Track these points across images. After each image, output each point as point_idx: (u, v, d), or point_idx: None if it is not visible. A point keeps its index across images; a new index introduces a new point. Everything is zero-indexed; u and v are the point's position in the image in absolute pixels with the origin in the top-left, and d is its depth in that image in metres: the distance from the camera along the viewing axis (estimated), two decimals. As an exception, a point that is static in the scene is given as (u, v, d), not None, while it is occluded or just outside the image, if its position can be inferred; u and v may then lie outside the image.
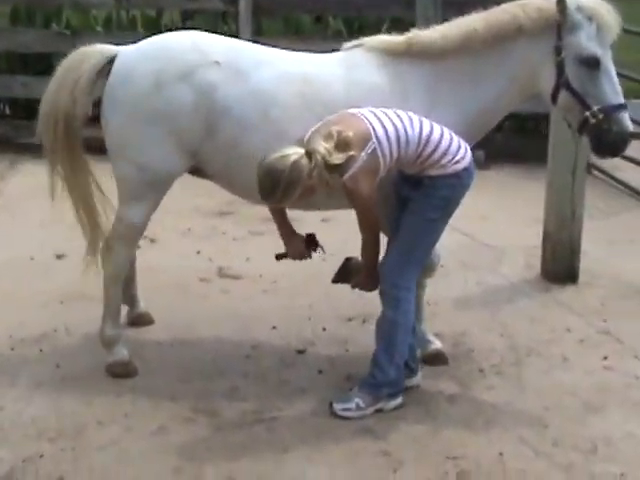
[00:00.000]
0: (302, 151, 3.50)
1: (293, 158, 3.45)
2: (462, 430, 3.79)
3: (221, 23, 8.56)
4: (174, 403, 3.98)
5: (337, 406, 3.88)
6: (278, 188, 3.48)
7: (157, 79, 3.89)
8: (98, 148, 4.24)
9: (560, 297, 5.26)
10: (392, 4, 8.45)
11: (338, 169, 3.52)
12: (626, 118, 3.86)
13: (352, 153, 3.53)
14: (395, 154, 3.65)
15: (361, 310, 4.88)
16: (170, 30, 8.68)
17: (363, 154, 3.57)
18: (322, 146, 3.49)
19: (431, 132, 3.70)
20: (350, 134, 3.54)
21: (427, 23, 7.72)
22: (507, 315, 4.98)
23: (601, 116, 3.81)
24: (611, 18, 3.83)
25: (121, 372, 4.21)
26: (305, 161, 3.46)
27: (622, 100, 3.86)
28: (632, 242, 6.21)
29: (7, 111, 8.92)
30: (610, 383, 4.24)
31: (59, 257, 5.77)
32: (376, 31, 8.63)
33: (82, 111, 4.06)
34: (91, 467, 3.51)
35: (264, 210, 6.50)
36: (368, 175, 3.61)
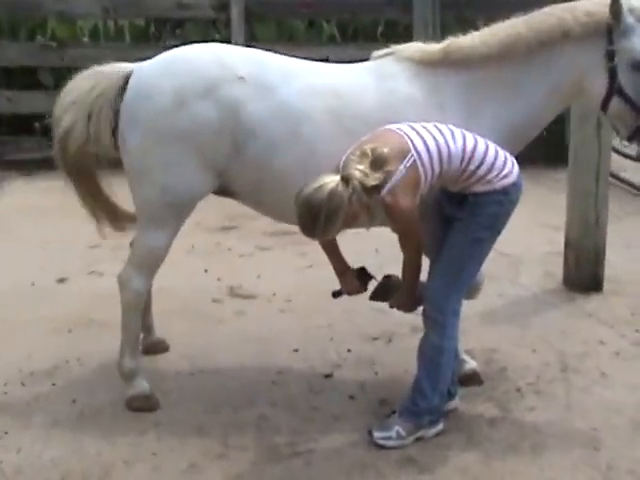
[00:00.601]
0: (338, 178, 3.29)
1: (329, 187, 3.24)
2: (510, 457, 3.63)
3: (212, 31, 8.37)
4: (202, 438, 3.79)
5: (377, 435, 3.71)
6: (319, 221, 3.27)
7: (178, 96, 3.70)
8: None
9: (587, 307, 5.15)
10: (387, 6, 8.37)
11: (377, 190, 3.34)
12: None
13: (389, 169, 3.35)
14: (437, 169, 3.48)
15: (385, 328, 4.77)
16: (159, 39, 8.66)
17: (402, 167, 3.39)
18: (357, 169, 3.30)
19: (475, 146, 3.53)
20: (386, 150, 3.35)
21: (425, 26, 7.74)
22: (536, 328, 4.85)
23: None
24: None
25: (142, 406, 4.02)
26: (342, 188, 3.25)
27: None
28: (647, 244, 6.14)
29: (-8, 127, 8.70)
30: (655, 399, 4.12)
31: (61, 281, 5.61)
32: (372, 35, 8.61)
33: (105, 140, 3.91)
34: (123, 512, 3.32)
35: (269, 224, 6.43)
36: (408, 190, 3.42)
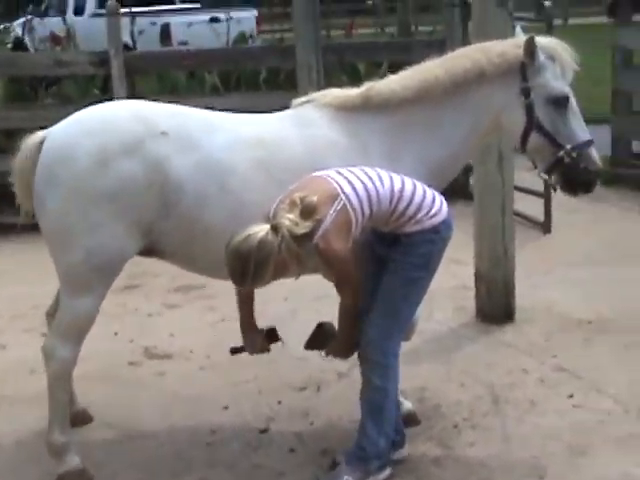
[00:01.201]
0: (267, 227, 3.30)
1: (259, 236, 3.25)
2: (462, 495, 3.68)
3: (91, 86, 8.26)
4: (147, 509, 3.70)
5: (327, 487, 3.70)
6: (249, 270, 3.27)
7: (101, 155, 3.62)
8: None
9: (504, 338, 5.27)
10: (270, 54, 8.47)
11: (307, 238, 3.35)
12: (595, 153, 3.90)
13: (319, 217, 3.37)
14: (367, 211, 3.51)
15: (312, 376, 4.76)
16: (35, 100, 8.47)
17: (332, 211, 3.41)
18: (286, 218, 3.31)
19: (403, 187, 3.59)
20: (315, 198, 3.37)
21: (308, 71, 7.83)
22: (460, 363, 4.93)
23: (575, 154, 3.82)
24: (569, 56, 3.89)
25: (76, 482, 3.88)
26: (271, 237, 3.26)
27: (589, 136, 3.89)
28: (547, 273, 6.34)
29: None
30: (585, 422, 4.23)
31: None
32: (254, 83, 8.66)
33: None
34: None
35: (172, 279, 6.37)
36: (340, 233, 3.44)
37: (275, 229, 3.28)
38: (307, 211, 3.35)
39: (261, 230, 3.28)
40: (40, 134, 3.84)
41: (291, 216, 3.32)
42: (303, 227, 3.32)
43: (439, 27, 8.82)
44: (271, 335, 3.85)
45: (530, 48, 3.79)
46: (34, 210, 3.84)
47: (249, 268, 3.27)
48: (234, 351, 3.95)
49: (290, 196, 3.44)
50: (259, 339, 3.83)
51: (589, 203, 7.75)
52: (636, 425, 4.18)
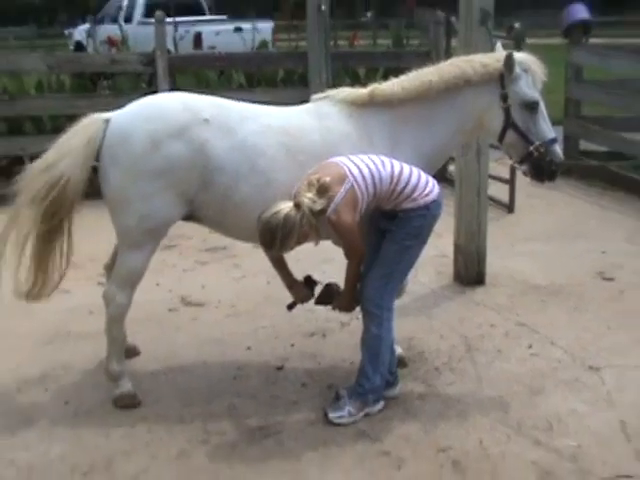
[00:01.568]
0: (291, 204, 3.34)
1: (284, 212, 3.31)
2: (442, 424, 3.67)
3: (140, 82, 8.17)
4: (185, 427, 3.69)
5: (332, 415, 3.69)
6: (276, 240, 3.35)
7: (153, 138, 3.58)
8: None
9: (476, 298, 5.24)
10: (286, 59, 8.40)
11: (322, 213, 3.38)
12: (559, 149, 3.88)
13: (331, 194, 3.38)
14: (372, 190, 3.51)
15: (319, 325, 4.73)
16: (94, 91, 8.40)
17: (342, 190, 3.43)
18: (306, 196, 3.35)
19: (401, 171, 3.58)
20: (327, 179, 3.39)
21: (318, 74, 7.76)
22: (440, 318, 4.90)
23: (542, 149, 3.80)
24: (540, 68, 3.86)
25: (129, 403, 3.87)
26: (294, 212, 3.31)
27: (554, 134, 3.87)
28: (511, 246, 6.31)
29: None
30: (541, 368, 4.22)
31: (34, 299, 5.30)
32: (272, 82, 8.59)
33: (86, 176, 3.73)
34: (132, 497, 3.18)
35: (203, 242, 6.34)
36: (349, 208, 3.46)
37: (297, 206, 3.33)
38: (322, 190, 3.38)
39: (286, 207, 3.33)
40: (102, 117, 3.76)
41: (309, 195, 3.36)
42: (319, 204, 3.36)
43: (426, 41, 8.71)
44: (309, 282, 3.86)
45: (509, 62, 3.76)
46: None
47: (277, 238, 3.34)
48: (289, 307, 3.95)
49: (308, 178, 3.45)
50: (303, 289, 3.85)
51: (545, 190, 7.72)
52: (581, 371, 4.18)
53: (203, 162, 3.61)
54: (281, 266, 3.84)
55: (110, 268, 4.09)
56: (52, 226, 3.82)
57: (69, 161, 3.67)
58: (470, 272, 5.42)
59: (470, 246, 5.38)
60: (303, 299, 3.89)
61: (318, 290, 3.90)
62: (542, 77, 3.85)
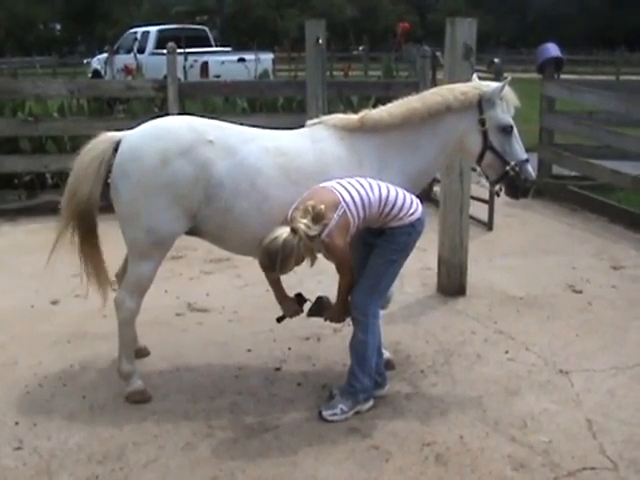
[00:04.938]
0: (288, 229, 3.32)
1: (283, 237, 3.30)
2: (426, 421, 3.68)
3: (152, 106, 8.20)
4: (191, 422, 3.68)
5: (325, 413, 3.69)
6: (276, 263, 3.33)
7: (162, 156, 3.59)
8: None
9: (457, 307, 5.24)
10: (286, 87, 8.43)
11: (317, 237, 3.38)
12: (531, 168, 3.92)
13: (326, 221, 3.38)
14: (362, 214, 3.51)
15: (313, 331, 4.71)
16: (111, 114, 8.43)
17: (335, 216, 3.42)
18: (302, 222, 3.33)
19: (388, 193, 3.58)
20: (322, 207, 3.38)
21: (316, 100, 7.79)
22: (424, 325, 4.91)
23: (517, 169, 3.83)
24: (513, 97, 3.90)
25: (139, 399, 3.87)
26: (292, 237, 3.30)
27: (527, 155, 3.91)
28: (490, 260, 6.32)
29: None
30: (517, 371, 4.23)
31: (54, 303, 5.32)
32: (273, 108, 8.62)
33: (99, 190, 3.76)
34: (142, 485, 3.18)
35: (207, 253, 6.34)
36: (341, 231, 3.46)
37: (294, 231, 3.31)
38: (317, 218, 3.37)
39: (284, 232, 3.31)
40: (117, 135, 3.78)
41: (305, 221, 3.35)
42: (314, 230, 3.35)
43: (413, 72, 8.77)
44: (299, 299, 3.84)
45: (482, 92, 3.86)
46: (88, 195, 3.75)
47: (277, 261, 3.33)
48: (279, 319, 3.92)
49: (303, 203, 3.44)
50: (293, 304, 3.82)
51: (520, 210, 7.86)
52: (553, 374, 4.19)
53: (206, 178, 3.61)
54: (275, 281, 3.80)
55: (121, 276, 4.09)
56: (84, 234, 3.86)
57: (83, 177, 3.69)
58: (452, 283, 5.43)
59: (453, 260, 5.40)
60: (292, 314, 3.86)
61: (307, 306, 3.87)
62: (515, 103, 3.88)
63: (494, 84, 3.94)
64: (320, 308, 3.84)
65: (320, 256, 3.66)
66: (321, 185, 3.59)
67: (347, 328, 4.38)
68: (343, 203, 3.46)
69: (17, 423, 3.66)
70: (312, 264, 3.48)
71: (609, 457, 3.39)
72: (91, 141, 3.78)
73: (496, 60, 7.43)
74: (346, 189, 3.52)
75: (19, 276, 5.81)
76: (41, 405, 3.84)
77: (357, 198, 3.49)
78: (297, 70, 11.01)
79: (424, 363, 4.33)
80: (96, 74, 18.30)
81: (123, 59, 14.35)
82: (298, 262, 3.41)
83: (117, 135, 3.80)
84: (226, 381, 4.12)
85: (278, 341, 4.63)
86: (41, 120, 7.63)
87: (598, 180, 8.22)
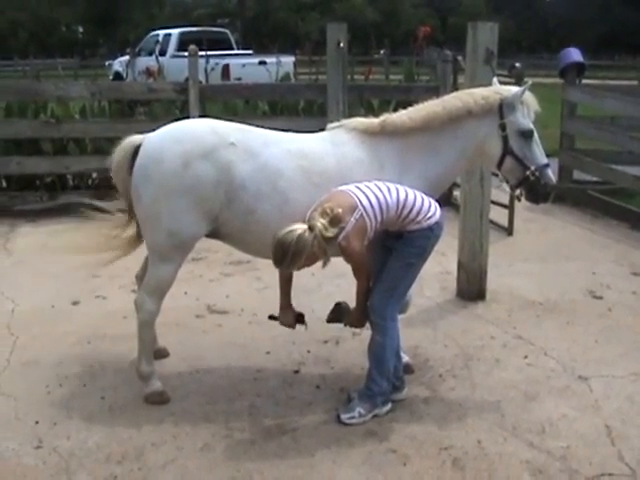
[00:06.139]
0: (305, 226, 3.33)
1: (298, 232, 3.29)
2: (444, 426, 3.67)
3: (173, 108, 8.25)
4: (209, 423, 3.70)
5: (343, 416, 3.70)
6: (287, 257, 3.32)
7: (184, 158, 3.60)
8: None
9: (476, 312, 5.23)
10: (307, 90, 8.43)
11: (333, 239, 3.37)
12: (551, 173, 3.89)
13: (343, 225, 3.38)
14: (379, 218, 3.51)
15: (332, 334, 4.71)
16: (132, 116, 8.50)
17: (352, 219, 3.42)
18: (319, 222, 3.33)
19: (406, 197, 3.57)
20: (340, 210, 3.38)
21: (336, 104, 7.80)
22: (444, 329, 4.90)
23: (537, 173, 3.81)
24: (534, 101, 3.88)
25: (158, 400, 3.90)
26: (307, 234, 3.29)
27: (547, 160, 3.89)
28: (510, 265, 6.30)
29: (4, 184, 8.30)
30: (536, 376, 4.22)
31: (75, 304, 5.37)
32: (294, 111, 8.64)
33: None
34: (161, 485, 3.20)
35: (228, 256, 6.37)
36: (358, 235, 3.46)
37: (310, 229, 3.31)
38: (334, 221, 3.36)
39: (300, 228, 3.31)
40: (137, 137, 3.81)
41: (323, 221, 3.34)
42: (331, 232, 3.34)
43: (434, 77, 8.76)
44: (299, 318, 3.86)
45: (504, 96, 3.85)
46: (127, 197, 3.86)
47: (288, 255, 3.31)
48: (271, 317, 3.94)
49: (322, 205, 3.44)
50: (291, 317, 3.84)
51: (541, 215, 7.84)
52: (572, 380, 4.17)
53: (228, 181, 3.62)
54: (286, 286, 3.80)
55: (141, 277, 4.12)
56: None
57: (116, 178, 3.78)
58: (472, 288, 5.42)
59: (473, 264, 5.39)
60: (285, 324, 3.87)
61: (302, 327, 3.91)
62: (535, 108, 3.86)
63: (515, 88, 3.92)
64: (339, 314, 3.85)
65: (339, 259, 3.68)
66: (339, 189, 3.60)
67: (366, 331, 4.37)
68: (360, 207, 3.46)
69: (37, 422, 3.70)
70: (324, 265, 3.48)
71: (627, 464, 3.37)
72: (119, 144, 3.83)
73: (517, 65, 7.39)
74: (364, 193, 3.53)
75: (40, 276, 5.87)
76: (61, 405, 3.88)
77: (374, 202, 3.50)
78: (318, 73, 10.98)
79: (443, 367, 4.32)
80: (117, 76, 18.44)
81: (145, 61, 14.49)
82: (309, 261, 3.40)
83: (139, 138, 3.83)
84: (245, 383, 4.14)
85: (297, 344, 4.64)
86: (63, 122, 7.71)
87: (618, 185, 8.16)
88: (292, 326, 3.88)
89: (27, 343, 4.65)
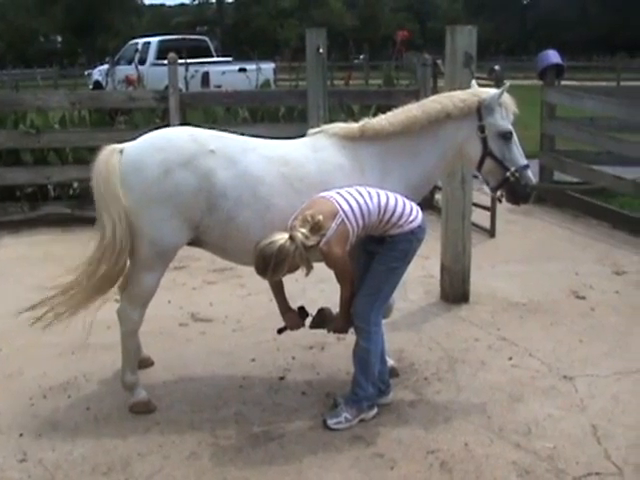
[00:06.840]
0: (286, 236, 3.33)
1: (279, 243, 3.30)
2: (431, 429, 3.68)
3: (154, 117, 8.22)
4: (196, 431, 3.69)
5: (330, 421, 3.69)
6: (268, 267, 3.33)
7: (164, 167, 3.58)
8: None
9: (460, 314, 5.25)
10: (288, 96, 8.44)
11: (315, 247, 3.38)
12: (531, 174, 3.91)
13: (324, 232, 3.39)
14: (361, 223, 3.52)
15: (317, 339, 4.70)
16: (112, 125, 8.46)
17: (334, 225, 3.43)
18: (300, 232, 3.34)
19: (387, 201, 3.58)
20: (321, 217, 3.39)
21: (317, 109, 7.81)
22: (428, 332, 4.91)
23: (517, 175, 3.83)
24: (512, 103, 3.91)
25: (143, 410, 3.88)
26: (289, 244, 3.30)
27: (526, 161, 3.91)
28: (493, 267, 6.33)
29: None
30: (521, 377, 4.24)
31: (57, 315, 5.30)
32: (274, 117, 8.64)
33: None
34: (147, 496, 3.18)
35: (210, 263, 6.35)
36: (340, 241, 3.46)
37: (292, 239, 3.32)
38: (315, 228, 3.37)
39: (282, 238, 3.32)
40: (117, 147, 3.75)
41: (304, 230, 3.35)
42: (312, 240, 3.36)
43: (414, 81, 8.80)
44: (302, 312, 3.85)
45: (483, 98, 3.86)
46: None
47: (269, 265, 3.33)
48: (280, 330, 3.92)
49: (303, 213, 3.45)
50: (295, 317, 3.83)
51: (522, 216, 7.90)
52: (557, 380, 4.20)
53: (208, 188, 3.61)
54: (279, 293, 3.81)
55: (123, 287, 4.09)
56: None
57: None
58: (455, 291, 5.44)
59: (455, 267, 5.41)
60: (294, 327, 3.86)
61: (309, 320, 3.88)
62: (514, 110, 3.89)
63: (493, 91, 3.95)
64: (322, 320, 3.84)
65: (322, 265, 3.68)
66: (320, 195, 3.60)
67: (351, 336, 4.37)
68: (341, 212, 3.47)
69: (21, 435, 3.67)
70: (307, 273, 3.47)
71: (614, 462, 3.39)
72: (98, 155, 3.75)
73: (496, 67, 7.45)
74: (344, 198, 3.53)
75: (20, 287, 5.81)
76: (45, 416, 3.85)
77: (356, 207, 3.50)
78: (298, 79, 10.99)
79: (428, 370, 4.33)
80: (97, 85, 18.37)
81: (124, 70, 14.43)
82: (291, 269, 3.41)
83: (120, 147, 3.80)
84: (230, 390, 4.13)
85: (282, 350, 4.64)
86: (43, 132, 7.67)
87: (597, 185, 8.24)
88: (301, 324, 3.87)
89: (10, 355, 4.61)
